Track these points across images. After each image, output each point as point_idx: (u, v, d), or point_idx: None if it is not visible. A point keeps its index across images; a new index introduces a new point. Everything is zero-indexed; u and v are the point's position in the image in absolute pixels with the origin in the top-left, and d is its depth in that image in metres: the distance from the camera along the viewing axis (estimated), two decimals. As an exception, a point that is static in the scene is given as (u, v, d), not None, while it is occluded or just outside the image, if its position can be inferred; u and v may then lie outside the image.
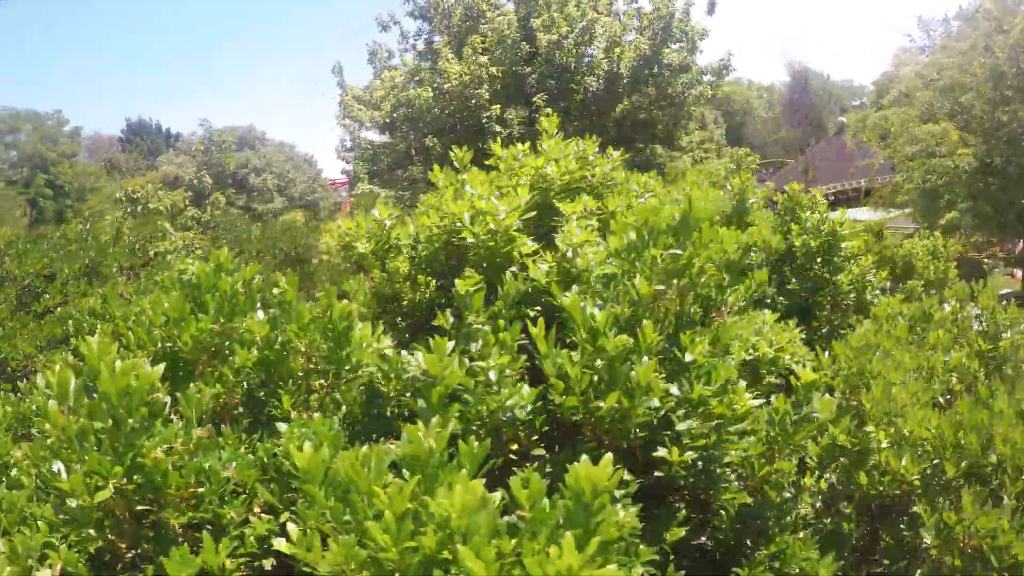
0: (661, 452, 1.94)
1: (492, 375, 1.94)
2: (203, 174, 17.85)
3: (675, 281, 2.15)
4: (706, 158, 12.69)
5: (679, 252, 2.13)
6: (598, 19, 12.55)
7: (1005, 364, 3.43)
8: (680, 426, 1.96)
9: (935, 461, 2.48)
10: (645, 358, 1.87)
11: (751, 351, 2.64)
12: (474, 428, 1.89)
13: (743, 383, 2.08)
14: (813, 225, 4.68)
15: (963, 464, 2.44)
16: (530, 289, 2.39)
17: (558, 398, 1.90)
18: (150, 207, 17.41)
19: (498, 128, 13.23)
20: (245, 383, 2.04)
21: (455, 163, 3.17)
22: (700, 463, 2.00)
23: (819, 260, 4.62)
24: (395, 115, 14.50)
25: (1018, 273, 23.03)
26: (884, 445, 2.52)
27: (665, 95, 12.96)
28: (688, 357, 2.02)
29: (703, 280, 2.24)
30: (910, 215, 20.11)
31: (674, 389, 1.97)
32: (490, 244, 2.49)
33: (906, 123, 17.21)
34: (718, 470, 2.05)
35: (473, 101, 12.92)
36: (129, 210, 17.90)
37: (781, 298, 5.07)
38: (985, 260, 21.79)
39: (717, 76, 13.25)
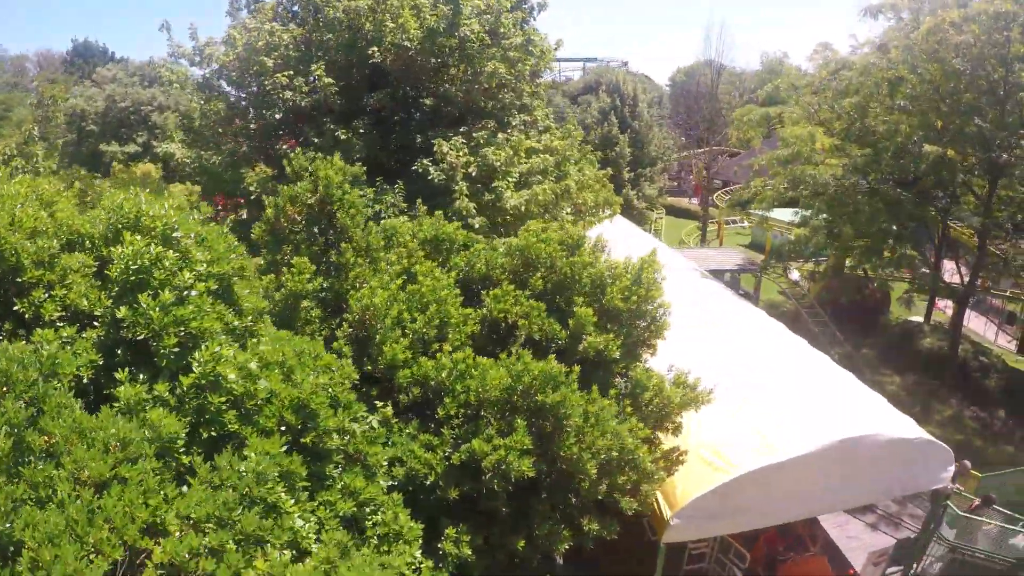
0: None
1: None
2: (32, 127, 17.36)
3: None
4: (494, 141, 11.78)
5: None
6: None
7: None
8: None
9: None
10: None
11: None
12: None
13: None
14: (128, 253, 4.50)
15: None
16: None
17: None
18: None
19: (288, 95, 12.54)
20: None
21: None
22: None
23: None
24: (207, 75, 13.89)
25: (941, 303, 21.81)
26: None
27: (474, 72, 12.09)
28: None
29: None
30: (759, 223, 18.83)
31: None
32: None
33: (794, 123, 15.87)
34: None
35: (255, 68, 12.19)
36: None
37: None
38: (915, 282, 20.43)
39: (526, 54, 12.27)
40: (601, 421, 5.82)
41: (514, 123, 14.07)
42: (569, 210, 15.38)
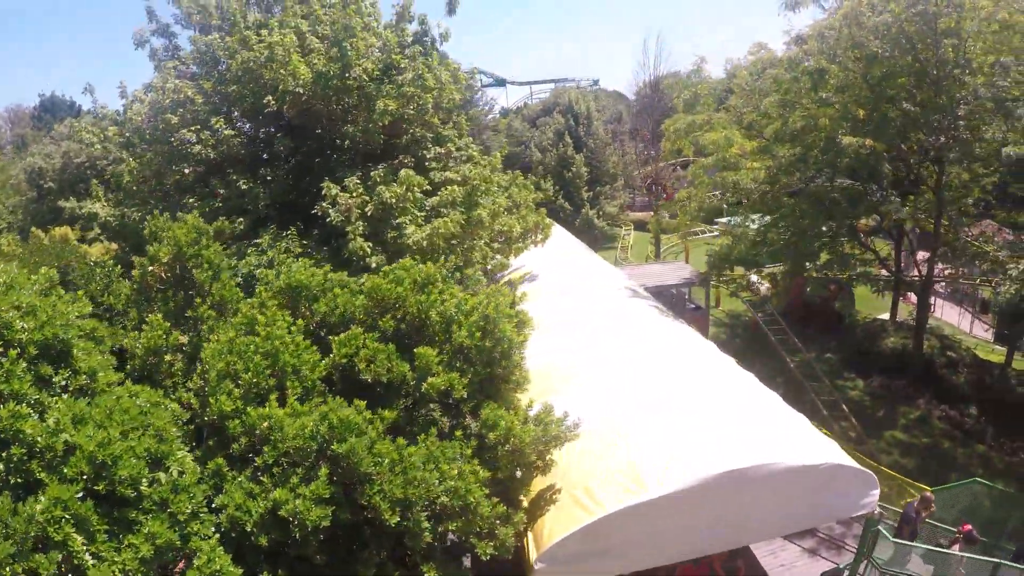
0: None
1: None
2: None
3: None
4: (391, 179, 12.65)
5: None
6: (286, 34, 12.64)
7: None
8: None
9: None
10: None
11: None
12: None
13: None
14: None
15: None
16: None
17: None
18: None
19: (197, 149, 13.60)
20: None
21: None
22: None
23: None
24: (128, 135, 15.05)
25: (912, 297, 22.05)
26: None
27: (369, 112, 13.03)
28: None
29: None
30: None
31: None
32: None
33: (723, 128, 16.34)
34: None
35: (162, 126, 13.29)
36: None
37: None
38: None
39: (419, 88, 13.14)
40: (408, 468, 6.41)
41: (429, 156, 15.04)
42: (498, 239, 16.19)
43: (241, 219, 12.90)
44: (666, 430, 9.30)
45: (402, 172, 12.25)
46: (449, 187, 13.50)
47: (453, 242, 13.55)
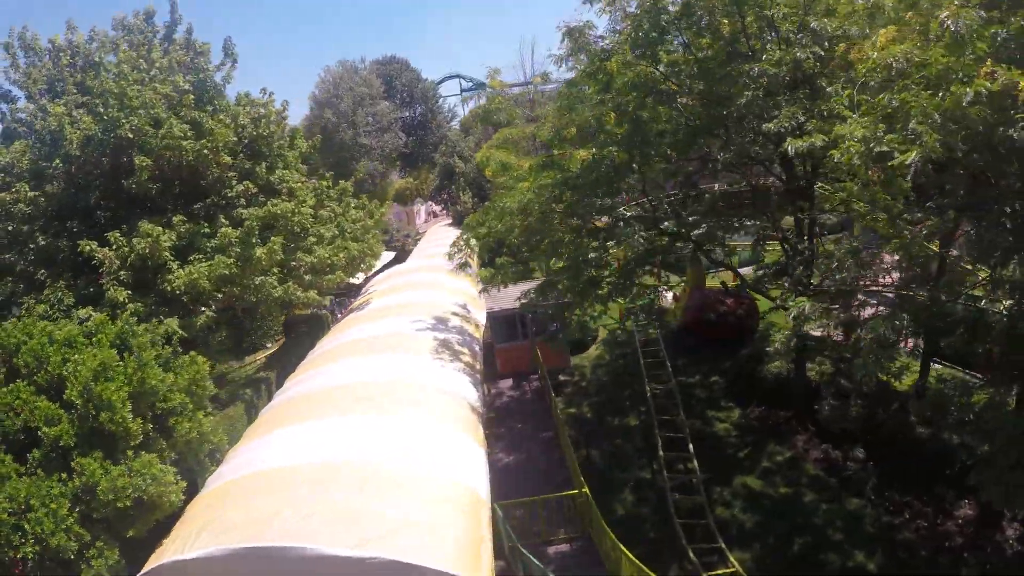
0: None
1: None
2: None
3: None
4: (146, 231, 16.47)
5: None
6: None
7: None
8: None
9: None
10: None
11: None
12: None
13: None
14: None
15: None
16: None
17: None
18: None
19: (20, 207, 18.42)
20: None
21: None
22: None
23: None
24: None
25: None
26: None
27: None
28: None
29: None
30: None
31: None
32: None
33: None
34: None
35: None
36: None
37: None
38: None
39: (177, 140, 16.81)
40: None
41: (231, 194, 18.91)
42: (313, 271, 19.62)
43: (45, 271, 17.55)
44: (267, 495, 11.09)
45: (143, 227, 16.13)
46: (224, 230, 17.21)
47: (233, 282, 17.28)
